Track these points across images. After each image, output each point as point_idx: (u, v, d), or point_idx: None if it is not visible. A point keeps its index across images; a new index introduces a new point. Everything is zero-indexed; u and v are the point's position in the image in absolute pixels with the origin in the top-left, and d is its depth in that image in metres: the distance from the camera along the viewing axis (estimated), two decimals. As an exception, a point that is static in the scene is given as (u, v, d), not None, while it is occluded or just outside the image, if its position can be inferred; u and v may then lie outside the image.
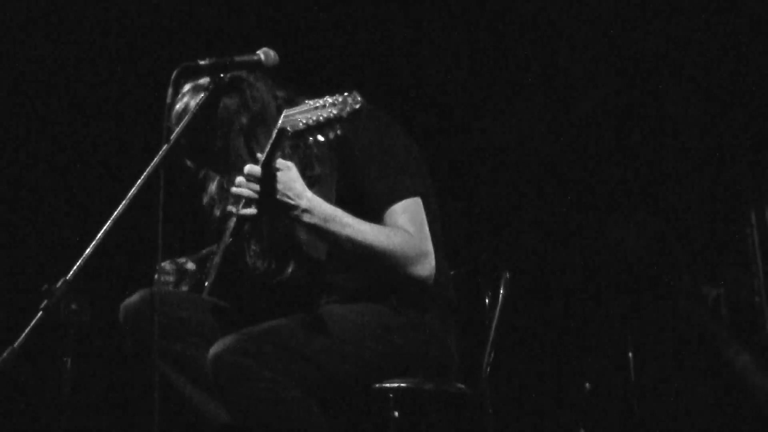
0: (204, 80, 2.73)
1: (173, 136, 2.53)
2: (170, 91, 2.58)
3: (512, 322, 3.18)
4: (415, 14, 4.53)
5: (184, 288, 2.98)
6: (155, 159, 2.44)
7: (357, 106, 2.37)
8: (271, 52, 2.72)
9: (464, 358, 2.86)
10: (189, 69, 2.64)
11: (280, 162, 2.49)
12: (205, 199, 2.93)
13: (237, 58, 2.68)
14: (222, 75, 2.67)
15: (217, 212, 2.91)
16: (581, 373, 4.25)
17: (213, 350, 2.51)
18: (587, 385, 4.21)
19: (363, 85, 4.13)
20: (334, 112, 2.38)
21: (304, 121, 2.39)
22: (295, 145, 2.71)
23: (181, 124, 2.59)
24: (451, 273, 2.90)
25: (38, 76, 4.62)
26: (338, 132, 2.38)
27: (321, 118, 2.38)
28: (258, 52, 2.71)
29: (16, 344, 2.19)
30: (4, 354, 2.18)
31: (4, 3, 4.55)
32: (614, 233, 4.24)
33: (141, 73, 4.52)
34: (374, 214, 2.64)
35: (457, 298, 2.87)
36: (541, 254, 4.35)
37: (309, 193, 2.52)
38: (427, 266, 2.63)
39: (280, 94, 2.82)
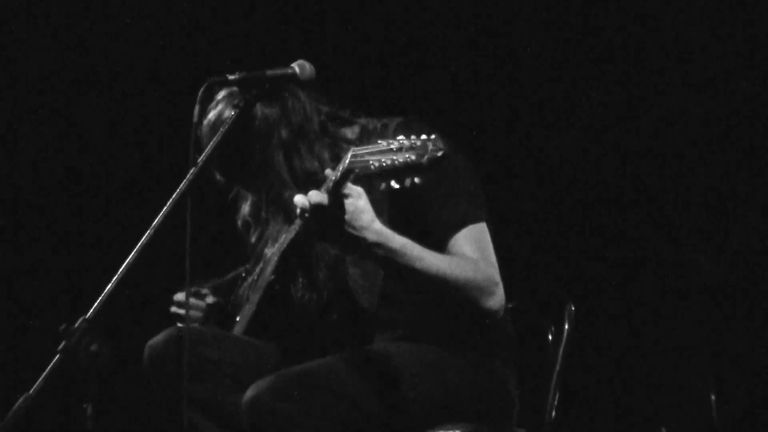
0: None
1: (201, 158, 2.52)
2: (197, 109, 2.58)
3: (578, 360, 3.14)
4: (465, 27, 4.54)
5: (213, 321, 2.97)
6: (183, 183, 2.43)
7: (439, 154, 2.27)
8: (307, 65, 2.72)
9: (526, 400, 2.84)
10: (217, 84, 2.64)
11: (351, 188, 2.41)
12: (239, 222, 2.92)
13: (269, 72, 2.68)
14: (254, 91, 2.67)
15: (253, 238, 2.90)
16: (656, 417, 4.20)
17: (249, 393, 2.49)
18: (663, 430, 4.16)
19: (412, 102, 4.16)
20: (413, 158, 2.27)
21: (377, 165, 2.30)
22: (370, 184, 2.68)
23: (212, 142, 2.59)
24: (510, 306, 2.86)
25: (55, 100, 4.67)
26: (415, 180, 2.32)
27: (397, 162, 2.28)
28: (293, 64, 2.71)
29: (32, 391, 2.20)
30: (20, 401, 2.18)
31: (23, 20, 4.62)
32: (692, 258, 4.20)
33: (166, 90, 4.55)
34: (438, 242, 2.62)
35: (517, 334, 2.84)
36: (609, 284, 4.31)
37: (377, 225, 2.46)
38: (498, 297, 2.62)
39: (325, 108, 2.81)
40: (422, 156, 2.27)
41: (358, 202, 2.43)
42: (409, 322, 2.74)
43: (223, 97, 2.77)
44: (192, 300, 3.01)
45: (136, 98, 4.66)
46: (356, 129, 2.79)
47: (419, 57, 4.57)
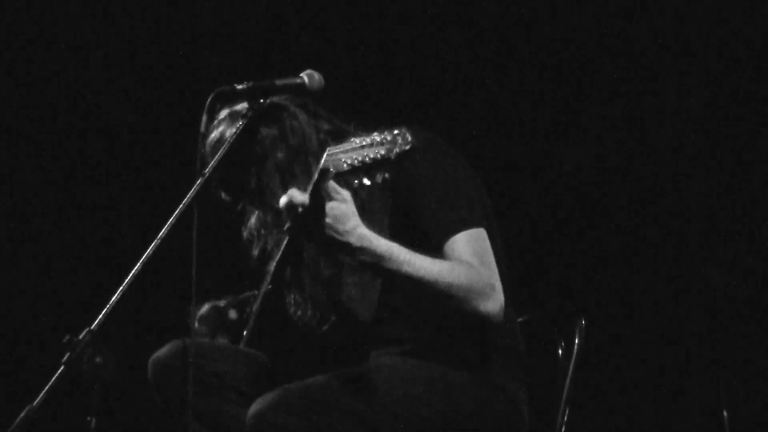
0: (241, 106, 2.73)
1: (207, 170, 2.53)
2: (204, 118, 2.58)
3: (589, 376, 3.13)
4: (479, 35, 4.54)
5: (222, 337, 2.97)
6: (188, 194, 2.43)
7: (407, 147, 2.35)
8: (316, 75, 2.72)
9: (535, 417, 2.82)
10: (225, 94, 2.64)
11: (338, 191, 2.45)
12: (245, 234, 2.92)
13: (278, 82, 2.68)
14: (261, 101, 2.67)
15: (256, 251, 2.89)
16: (668, 431, 4.18)
17: (253, 408, 2.49)
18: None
19: (422, 110, 4.14)
20: (382, 152, 2.35)
21: (349, 162, 2.37)
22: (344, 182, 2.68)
23: (216, 156, 2.59)
24: (519, 320, 2.87)
25: (60, 109, 4.69)
26: (386, 175, 2.36)
27: (367, 158, 2.36)
28: (301, 74, 2.70)
29: (35, 402, 2.20)
30: (22, 414, 2.18)
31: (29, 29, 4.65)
32: (704, 273, 4.19)
33: (173, 100, 4.56)
34: (434, 247, 2.61)
35: (527, 349, 2.83)
36: (620, 298, 4.30)
37: (361, 230, 2.48)
38: (495, 301, 2.58)
39: (326, 126, 2.80)
40: (391, 151, 2.35)
41: (342, 205, 2.45)
42: (415, 338, 2.72)
43: (225, 117, 2.77)
44: (207, 311, 3.01)
45: (143, 109, 4.67)
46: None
47: (426, 65, 4.58)
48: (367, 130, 2.81)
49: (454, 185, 2.68)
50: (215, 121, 2.78)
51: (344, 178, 2.41)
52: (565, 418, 2.89)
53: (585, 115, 4.44)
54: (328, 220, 2.43)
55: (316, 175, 2.40)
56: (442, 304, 2.57)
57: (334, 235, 2.45)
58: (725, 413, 4.02)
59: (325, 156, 2.40)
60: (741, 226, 4.21)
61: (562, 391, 2.92)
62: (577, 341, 2.97)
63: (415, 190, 2.67)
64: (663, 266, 4.29)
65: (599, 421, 4.17)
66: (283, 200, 2.43)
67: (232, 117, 2.76)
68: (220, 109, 2.78)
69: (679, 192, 4.30)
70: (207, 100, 2.58)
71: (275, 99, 2.74)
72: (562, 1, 4.47)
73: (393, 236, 2.62)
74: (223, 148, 2.61)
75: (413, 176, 2.66)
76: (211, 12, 4.68)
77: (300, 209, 2.41)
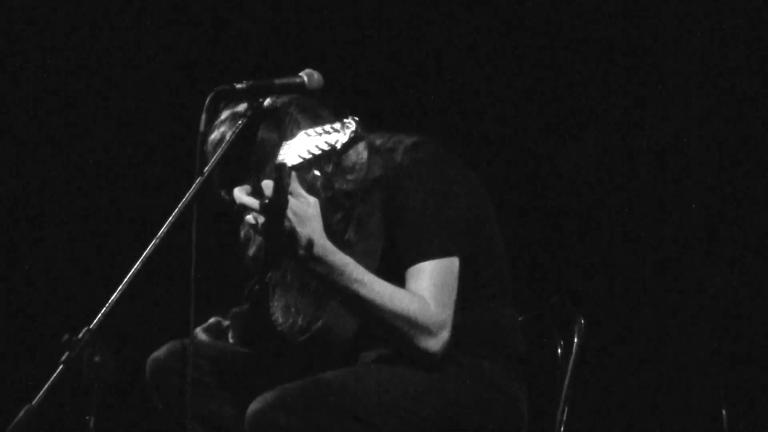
0: (243, 106, 2.73)
1: (207, 168, 2.53)
2: (204, 118, 2.58)
3: (589, 376, 3.13)
4: (480, 36, 4.54)
5: (223, 338, 2.97)
6: (188, 193, 2.43)
7: (350, 135, 2.37)
8: (315, 74, 2.71)
9: (534, 416, 2.83)
10: (224, 93, 2.64)
11: (302, 194, 2.47)
12: (242, 232, 2.91)
13: (277, 81, 2.68)
14: (261, 100, 2.67)
15: (251, 251, 2.89)
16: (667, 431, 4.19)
17: (252, 407, 2.49)
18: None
19: (421, 112, 4.15)
20: (330, 142, 2.38)
21: (300, 155, 2.39)
22: (337, 200, 2.68)
23: (215, 156, 2.59)
24: (519, 319, 2.86)
25: (57, 111, 4.69)
26: (331, 167, 2.37)
27: (316, 149, 2.38)
28: (301, 73, 2.70)
29: (34, 402, 2.19)
30: (21, 413, 2.18)
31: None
32: (703, 273, 4.19)
33: (173, 99, 4.56)
34: (401, 266, 2.62)
35: (526, 348, 2.83)
36: (620, 298, 4.30)
37: (323, 240, 2.49)
38: (438, 340, 2.59)
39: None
40: (336, 140, 2.38)
41: (307, 208, 2.46)
42: None
43: (227, 117, 2.75)
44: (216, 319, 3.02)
45: (142, 108, 4.67)
46: (360, 147, 2.77)
47: (427, 65, 4.58)
48: (377, 131, 2.82)
49: (443, 208, 2.67)
50: (217, 121, 2.77)
51: (299, 171, 2.43)
52: (565, 418, 2.89)
53: (585, 114, 4.43)
54: (289, 213, 2.44)
55: (274, 172, 2.41)
56: (386, 330, 2.58)
57: (294, 234, 2.46)
58: (725, 413, 4.02)
59: (281, 150, 2.42)
60: (741, 226, 4.21)
61: (561, 391, 2.92)
62: (576, 341, 2.97)
63: (403, 203, 2.66)
64: (663, 266, 4.29)
65: (599, 421, 4.17)
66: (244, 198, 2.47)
67: (234, 118, 2.75)
68: (223, 108, 2.78)
69: (679, 192, 4.30)
70: (207, 99, 2.59)
71: (277, 102, 2.74)
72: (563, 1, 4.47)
73: (386, 252, 2.65)
74: (222, 146, 2.61)
75: (406, 189, 2.65)
76: (211, 12, 4.68)
77: (265, 200, 2.43)
